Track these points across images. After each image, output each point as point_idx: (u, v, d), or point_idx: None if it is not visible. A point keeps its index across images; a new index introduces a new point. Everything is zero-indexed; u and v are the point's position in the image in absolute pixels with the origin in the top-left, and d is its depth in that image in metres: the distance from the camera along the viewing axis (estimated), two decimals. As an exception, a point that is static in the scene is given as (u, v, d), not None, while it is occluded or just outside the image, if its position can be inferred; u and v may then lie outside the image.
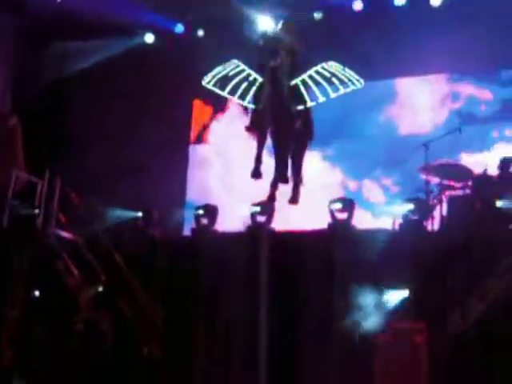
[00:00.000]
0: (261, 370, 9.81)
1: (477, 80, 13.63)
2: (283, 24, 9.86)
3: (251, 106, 9.58)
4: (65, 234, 12.39)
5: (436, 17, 13.03)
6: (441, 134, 12.40)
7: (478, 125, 13.45)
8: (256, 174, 9.42)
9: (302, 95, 9.42)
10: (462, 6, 12.84)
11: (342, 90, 9.37)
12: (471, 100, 13.65)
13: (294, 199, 9.72)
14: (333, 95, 9.38)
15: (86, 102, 14.02)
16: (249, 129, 9.62)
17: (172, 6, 13.75)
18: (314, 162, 10.90)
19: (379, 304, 10.74)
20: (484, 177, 11.71)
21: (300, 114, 9.48)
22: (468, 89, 13.68)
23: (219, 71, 9.66)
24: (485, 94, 13.52)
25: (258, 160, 9.43)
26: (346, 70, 9.40)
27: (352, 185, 14.13)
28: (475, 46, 12.58)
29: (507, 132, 13.25)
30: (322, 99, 9.38)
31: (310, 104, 9.46)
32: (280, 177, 9.47)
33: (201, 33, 14.42)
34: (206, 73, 9.96)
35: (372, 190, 13.97)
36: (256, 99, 9.50)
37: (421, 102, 13.93)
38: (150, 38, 14.77)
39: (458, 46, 12.50)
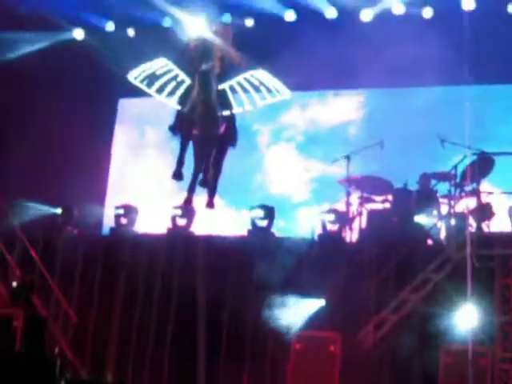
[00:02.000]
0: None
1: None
2: (216, 27, 9.83)
3: (177, 107, 9.52)
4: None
5: (366, 33, 13.12)
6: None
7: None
8: (177, 175, 9.38)
9: (228, 101, 9.41)
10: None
11: (268, 99, 9.39)
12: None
13: (210, 204, 9.69)
14: (260, 103, 9.39)
15: (7, 94, 13.73)
16: (172, 129, 9.57)
17: (103, 4, 13.57)
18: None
19: (295, 312, 10.79)
20: (404, 191, 11.87)
21: (225, 120, 9.47)
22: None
23: (147, 68, 9.56)
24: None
25: (180, 162, 9.38)
26: (275, 79, 9.42)
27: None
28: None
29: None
30: (248, 106, 9.39)
31: (236, 110, 9.46)
32: (200, 181, 9.44)
33: (131, 32, 14.28)
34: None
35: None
36: (182, 100, 9.45)
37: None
38: (79, 34, 14.56)
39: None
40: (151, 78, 9.44)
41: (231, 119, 9.51)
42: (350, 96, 14.10)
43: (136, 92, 10.51)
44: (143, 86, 9.54)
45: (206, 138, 9.36)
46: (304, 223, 12.78)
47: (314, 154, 13.74)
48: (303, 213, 13.40)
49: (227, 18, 13.08)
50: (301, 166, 14.03)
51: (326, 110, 14.14)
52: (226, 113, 9.39)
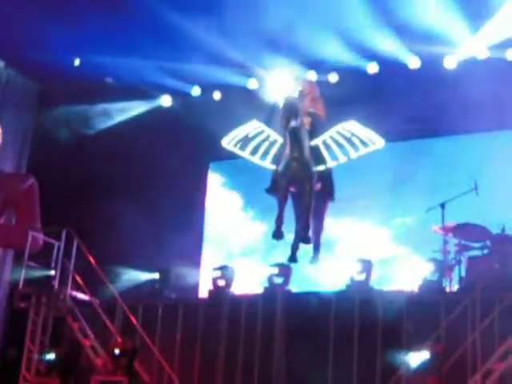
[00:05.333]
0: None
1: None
2: (302, 85, 9.93)
3: (272, 167, 9.58)
4: (81, 296, 12.37)
5: (450, 79, 13.05)
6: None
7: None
8: (277, 234, 9.37)
9: (322, 156, 9.44)
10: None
11: (362, 150, 9.38)
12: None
13: (314, 260, 9.70)
14: (353, 155, 9.39)
15: (102, 163, 14.07)
16: (269, 190, 9.63)
17: (188, 69, 13.83)
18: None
19: (398, 365, 10.61)
20: (502, 236, 11.65)
21: (321, 175, 9.49)
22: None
23: (239, 132, 9.70)
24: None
25: (280, 220, 9.38)
26: (367, 129, 9.42)
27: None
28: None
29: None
30: (343, 159, 9.40)
31: (330, 164, 9.48)
32: (302, 238, 9.43)
33: (217, 95, 14.50)
34: (222, 135, 10.03)
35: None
36: (276, 160, 9.52)
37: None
38: (167, 100, 14.87)
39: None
40: (244, 141, 9.57)
41: (327, 174, 9.53)
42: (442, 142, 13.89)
43: (227, 154, 10.67)
44: (237, 150, 9.67)
45: (304, 194, 9.38)
46: (403, 274, 12.59)
47: (409, 203, 13.51)
48: (400, 264, 13.19)
49: (312, 74, 13.23)
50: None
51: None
52: (320, 168, 9.42)
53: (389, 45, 12.79)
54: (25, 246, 7.82)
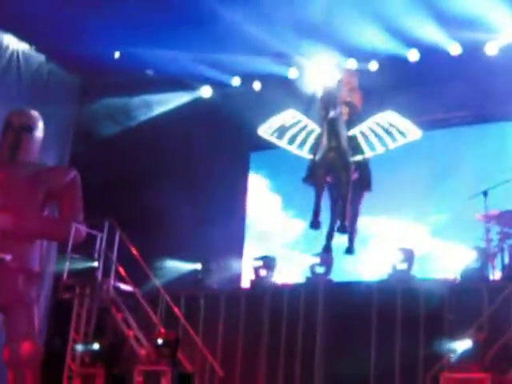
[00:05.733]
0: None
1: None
2: (341, 74, 9.90)
3: (309, 156, 9.56)
4: (124, 287, 12.48)
5: (491, 66, 12.90)
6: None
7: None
8: (315, 224, 9.35)
9: (359, 146, 9.41)
10: None
11: (400, 141, 9.33)
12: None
13: (350, 250, 9.66)
14: (392, 146, 9.34)
15: (144, 155, 14.17)
16: (306, 180, 9.60)
17: (228, 60, 13.84)
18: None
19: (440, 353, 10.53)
20: (546, 223, 11.52)
21: (358, 165, 9.45)
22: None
23: (276, 121, 9.69)
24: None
25: (317, 210, 9.36)
26: (405, 120, 9.36)
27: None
28: None
29: None
30: (380, 150, 9.35)
31: (368, 155, 9.43)
32: (338, 227, 9.41)
33: (257, 86, 14.49)
34: (262, 125, 10.02)
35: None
36: (313, 150, 9.49)
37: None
38: (207, 91, 14.90)
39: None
40: (281, 131, 9.57)
41: (364, 164, 9.49)
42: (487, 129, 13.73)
43: (267, 144, 10.66)
44: (274, 139, 9.68)
45: (341, 184, 9.34)
46: (445, 263, 12.49)
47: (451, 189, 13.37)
48: (443, 252, 13.08)
49: (352, 63, 13.15)
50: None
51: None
52: (358, 158, 9.38)
53: (429, 32, 12.65)
54: (68, 238, 7.98)
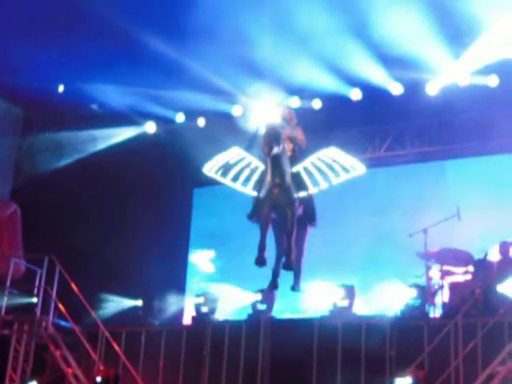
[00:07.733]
0: None
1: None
2: (282, 112, 9.96)
3: (253, 194, 9.57)
4: (64, 323, 12.30)
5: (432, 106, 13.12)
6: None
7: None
8: (260, 260, 9.33)
9: (303, 182, 9.45)
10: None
11: (343, 176, 9.39)
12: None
13: (295, 287, 9.68)
14: (335, 181, 9.40)
15: (86, 190, 14.05)
16: (251, 217, 9.60)
17: (172, 96, 13.85)
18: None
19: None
20: (484, 262, 11.68)
21: (302, 201, 9.49)
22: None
23: (220, 159, 9.71)
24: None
25: (262, 247, 9.34)
26: (348, 156, 9.44)
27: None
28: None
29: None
30: (324, 185, 9.41)
31: (312, 190, 9.49)
32: (283, 264, 9.41)
33: (202, 122, 14.53)
34: (206, 161, 10.02)
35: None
36: (258, 186, 9.51)
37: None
38: (151, 127, 14.87)
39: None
40: (226, 168, 9.57)
41: (309, 199, 9.54)
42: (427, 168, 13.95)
43: (210, 181, 10.65)
44: (219, 177, 9.68)
45: (286, 220, 9.36)
46: (388, 299, 12.60)
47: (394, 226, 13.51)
48: (384, 289, 13.19)
49: (295, 101, 13.29)
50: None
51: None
52: (302, 194, 9.43)
53: (372, 71, 12.85)
54: (7, 273, 7.87)
